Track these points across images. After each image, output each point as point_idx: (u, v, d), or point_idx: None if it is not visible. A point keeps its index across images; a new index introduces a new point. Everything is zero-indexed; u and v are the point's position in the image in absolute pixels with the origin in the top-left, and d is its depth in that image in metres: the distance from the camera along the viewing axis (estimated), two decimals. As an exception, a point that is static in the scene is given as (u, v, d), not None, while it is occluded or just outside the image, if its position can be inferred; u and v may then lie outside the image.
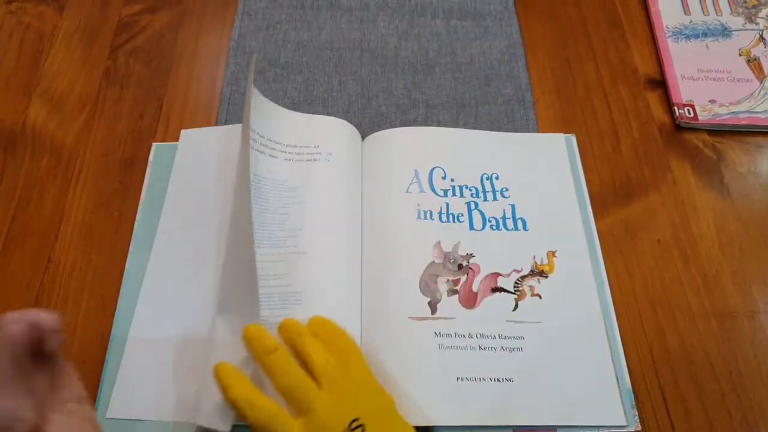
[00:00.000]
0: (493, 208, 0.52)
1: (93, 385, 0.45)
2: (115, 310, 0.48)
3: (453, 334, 0.46)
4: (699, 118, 0.57)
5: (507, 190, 0.53)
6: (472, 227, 0.51)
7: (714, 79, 0.59)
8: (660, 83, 0.60)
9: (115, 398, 0.44)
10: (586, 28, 0.65)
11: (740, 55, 0.61)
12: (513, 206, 0.52)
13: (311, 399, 0.35)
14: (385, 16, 0.65)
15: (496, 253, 0.50)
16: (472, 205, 0.52)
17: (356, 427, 0.34)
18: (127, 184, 0.54)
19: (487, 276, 0.49)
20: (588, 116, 0.58)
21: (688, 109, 0.57)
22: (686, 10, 0.65)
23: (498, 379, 0.44)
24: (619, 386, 0.44)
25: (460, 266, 0.49)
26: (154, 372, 0.45)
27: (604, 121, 0.58)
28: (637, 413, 0.43)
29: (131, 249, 0.50)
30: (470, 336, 0.46)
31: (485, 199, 0.52)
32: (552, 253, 0.50)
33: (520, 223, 0.51)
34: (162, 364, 0.45)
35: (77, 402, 0.30)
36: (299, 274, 0.47)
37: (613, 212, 0.53)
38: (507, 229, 0.51)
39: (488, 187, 0.53)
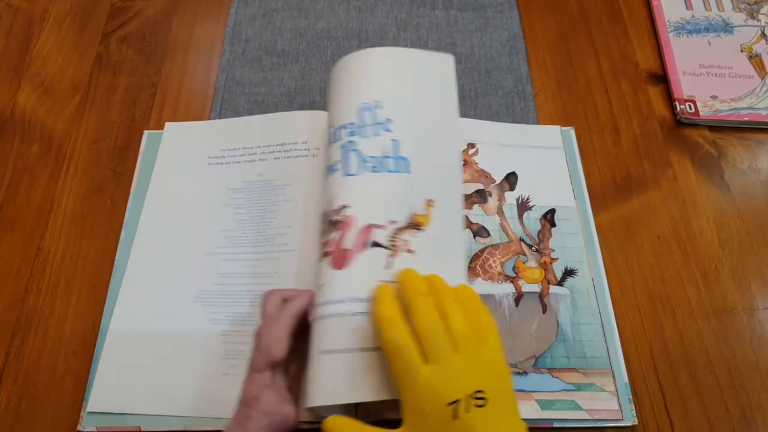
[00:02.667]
0: (372, 146, 0.43)
1: (83, 376, 0.44)
2: (105, 300, 0.47)
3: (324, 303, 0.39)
4: (700, 113, 0.56)
5: (390, 122, 0.44)
6: (347, 173, 0.42)
7: (715, 75, 0.59)
8: (661, 78, 0.60)
9: (96, 392, 0.43)
10: (587, 21, 0.64)
11: (742, 51, 0.61)
12: (397, 142, 0.43)
13: (446, 353, 0.35)
14: (383, 6, 0.64)
15: (372, 203, 0.41)
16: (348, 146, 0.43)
17: (480, 398, 0.33)
18: (120, 172, 0.53)
19: (362, 229, 0.41)
20: (588, 110, 0.58)
21: (689, 105, 0.57)
22: (688, 5, 0.64)
23: None
24: (616, 381, 0.44)
25: (332, 223, 0.41)
26: (135, 365, 0.44)
27: (605, 116, 0.57)
28: (634, 408, 0.43)
29: (122, 238, 0.49)
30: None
31: (363, 135, 0.43)
32: (429, 203, 0.43)
33: (402, 164, 0.43)
34: (143, 357, 0.44)
35: None
36: (287, 273, 0.47)
37: (612, 207, 0.52)
38: (388, 172, 0.42)
39: (368, 120, 0.44)
